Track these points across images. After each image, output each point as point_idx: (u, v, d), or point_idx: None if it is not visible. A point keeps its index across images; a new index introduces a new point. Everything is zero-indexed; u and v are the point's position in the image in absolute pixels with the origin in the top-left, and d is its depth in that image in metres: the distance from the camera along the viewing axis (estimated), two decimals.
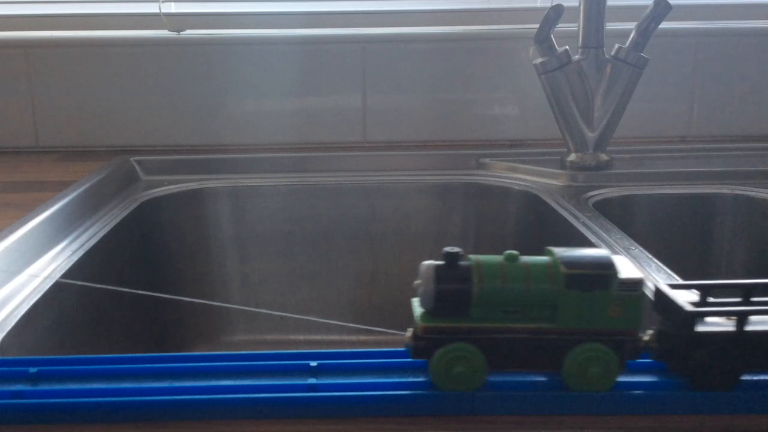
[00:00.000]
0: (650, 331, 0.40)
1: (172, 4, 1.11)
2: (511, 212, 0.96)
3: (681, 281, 0.41)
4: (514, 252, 0.39)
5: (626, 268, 0.38)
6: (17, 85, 1.09)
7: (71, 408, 0.38)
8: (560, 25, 0.89)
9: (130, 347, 0.82)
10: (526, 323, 0.38)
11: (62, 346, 0.63)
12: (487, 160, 1.02)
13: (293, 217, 0.99)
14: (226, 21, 1.12)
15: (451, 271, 0.38)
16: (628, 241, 0.69)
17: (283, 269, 1.00)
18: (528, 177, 0.97)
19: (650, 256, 0.64)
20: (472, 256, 0.39)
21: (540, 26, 0.90)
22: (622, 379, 0.39)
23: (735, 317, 0.38)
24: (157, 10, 1.09)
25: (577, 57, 0.91)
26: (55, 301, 0.62)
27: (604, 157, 0.94)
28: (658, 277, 0.59)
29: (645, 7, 0.90)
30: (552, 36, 0.90)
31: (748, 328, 0.38)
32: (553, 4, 0.89)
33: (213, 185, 0.99)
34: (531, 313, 0.38)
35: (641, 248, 0.66)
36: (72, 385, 0.40)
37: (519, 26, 1.10)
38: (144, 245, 0.91)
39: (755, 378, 0.39)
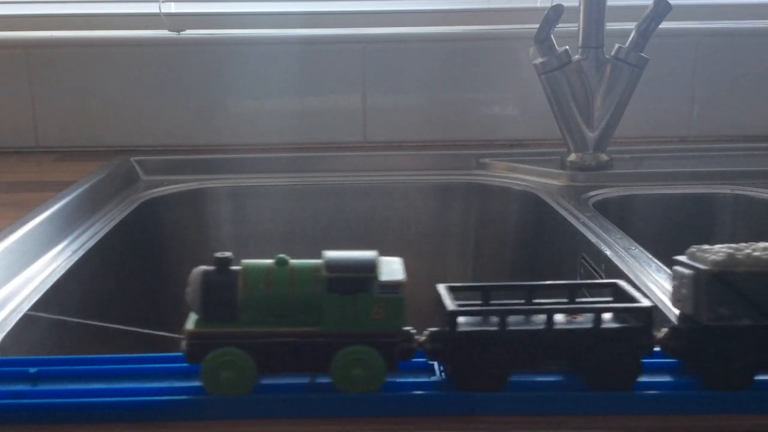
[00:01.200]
0: (426, 332, 0.40)
1: (172, 4, 1.11)
2: (511, 212, 0.96)
3: (458, 284, 0.42)
4: (284, 256, 0.39)
5: (394, 270, 0.39)
6: (17, 85, 1.09)
7: (71, 408, 0.38)
8: (560, 25, 0.89)
9: (130, 347, 0.82)
10: (293, 327, 0.38)
11: (62, 346, 0.63)
12: (487, 160, 1.02)
13: (293, 217, 0.99)
14: (226, 21, 1.12)
15: (219, 276, 0.39)
16: (628, 241, 0.69)
17: None
18: (528, 177, 0.97)
19: (650, 256, 0.64)
20: (245, 261, 0.39)
21: (540, 26, 0.90)
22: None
23: (498, 316, 0.38)
24: (157, 10, 1.09)
25: (577, 57, 0.91)
26: (55, 301, 0.62)
27: (604, 157, 0.94)
28: (658, 278, 0.59)
29: (645, 7, 0.90)
30: (552, 36, 0.90)
31: (514, 327, 0.38)
32: (553, 4, 0.89)
33: (213, 185, 0.99)
34: (298, 317, 0.38)
35: (641, 248, 0.66)
36: (72, 385, 0.40)
37: (519, 26, 1.10)
38: (144, 245, 0.91)
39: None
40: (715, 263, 0.38)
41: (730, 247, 0.39)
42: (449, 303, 0.39)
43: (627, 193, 0.90)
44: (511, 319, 0.39)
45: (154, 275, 0.93)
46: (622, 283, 0.42)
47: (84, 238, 0.76)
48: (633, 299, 0.40)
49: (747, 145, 1.06)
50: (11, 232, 0.67)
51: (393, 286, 0.38)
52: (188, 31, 1.11)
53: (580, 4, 0.91)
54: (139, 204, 0.90)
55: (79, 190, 0.83)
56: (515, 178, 0.98)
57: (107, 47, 1.10)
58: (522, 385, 0.39)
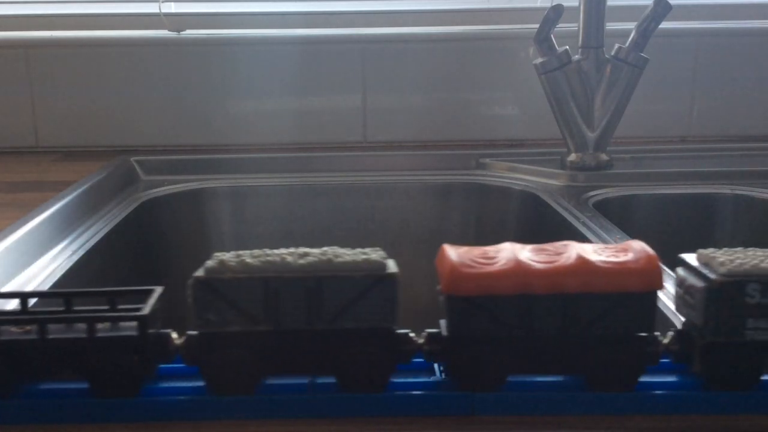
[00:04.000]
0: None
1: (172, 4, 1.11)
2: (511, 212, 0.96)
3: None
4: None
5: None
6: (17, 85, 1.09)
7: (70, 408, 0.38)
8: (560, 25, 0.89)
9: None
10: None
11: None
12: (487, 160, 1.02)
13: (293, 217, 0.99)
14: (226, 21, 1.12)
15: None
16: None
17: None
18: (528, 177, 0.97)
19: None
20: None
21: (540, 26, 0.90)
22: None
23: (35, 325, 0.38)
24: (157, 10, 1.09)
25: (577, 57, 0.91)
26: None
27: (604, 157, 0.94)
28: None
29: (645, 7, 0.90)
30: (552, 36, 0.90)
31: (54, 335, 0.38)
32: (553, 4, 0.89)
33: (213, 185, 0.99)
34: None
35: None
36: (71, 385, 0.40)
37: (519, 26, 1.10)
38: (144, 245, 0.91)
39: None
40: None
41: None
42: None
43: (627, 193, 0.90)
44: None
45: (154, 275, 0.93)
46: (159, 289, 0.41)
47: (84, 238, 0.76)
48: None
49: (747, 145, 1.06)
50: (11, 232, 0.67)
51: None
52: (188, 31, 1.11)
53: (580, 4, 0.91)
54: (139, 204, 0.90)
55: (79, 190, 0.83)
56: (515, 178, 0.98)
57: (107, 47, 1.10)
58: (522, 385, 0.39)
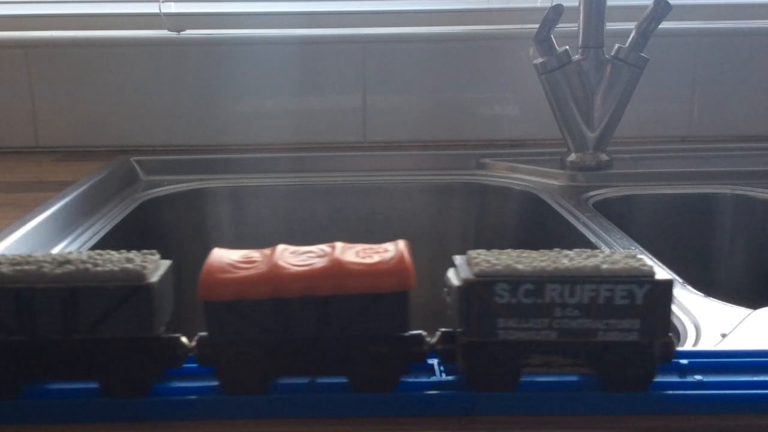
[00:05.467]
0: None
1: (172, 4, 1.11)
2: (511, 212, 0.96)
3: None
4: None
5: None
6: (17, 85, 1.09)
7: (71, 407, 0.38)
8: (560, 25, 0.89)
9: None
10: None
11: None
12: (487, 160, 1.02)
13: (293, 217, 0.99)
14: (226, 21, 1.12)
15: None
16: (628, 241, 0.69)
17: None
18: (528, 177, 0.97)
19: (650, 256, 0.64)
20: None
21: (540, 26, 0.90)
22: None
23: None
24: (157, 10, 1.09)
25: (577, 57, 0.91)
26: None
27: (604, 157, 0.94)
28: None
29: (645, 7, 0.90)
30: (552, 36, 0.90)
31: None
32: (553, 4, 0.89)
33: (213, 185, 0.99)
34: None
35: (641, 248, 0.67)
36: (73, 384, 0.40)
37: (519, 26, 1.10)
38: (144, 245, 0.90)
39: None
40: None
41: None
42: None
43: (627, 193, 0.90)
44: None
45: None
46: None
47: (84, 238, 0.76)
48: None
49: (747, 145, 1.06)
50: (11, 232, 0.67)
51: None
52: (188, 31, 1.11)
53: (580, 4, 0.91)
54: (139, 204, 0.90)
55: (79, 190, 0.83)
56: (515, 178, 0.98)
57: (107, 47, 1.10)
58: (522, 385, 0.39)
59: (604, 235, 0.71)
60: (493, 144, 1.11)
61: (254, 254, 0.39)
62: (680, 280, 0.58)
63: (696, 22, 1.12)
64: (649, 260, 0.39)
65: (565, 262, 0.38)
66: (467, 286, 0.37)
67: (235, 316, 0.37)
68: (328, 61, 1.10)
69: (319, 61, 1.10)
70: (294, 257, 0.39)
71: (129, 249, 0.42)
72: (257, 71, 1.10)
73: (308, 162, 1.04)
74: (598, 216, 0.78)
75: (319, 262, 0.38)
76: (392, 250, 0.39)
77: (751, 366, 0.41)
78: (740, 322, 0.49)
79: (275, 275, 0.37)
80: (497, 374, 0.38)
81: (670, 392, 0.39)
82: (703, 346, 0.47)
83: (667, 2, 0.88)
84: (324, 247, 0.40)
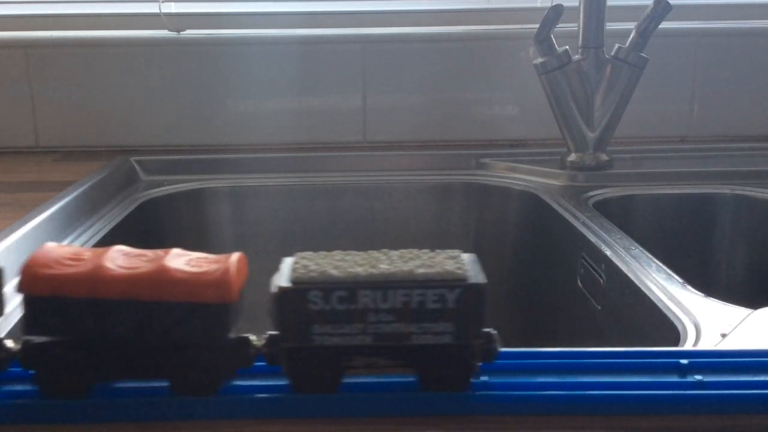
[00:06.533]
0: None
1: (172, 4, 1.11)
2: (511, 212, 0.96)
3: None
4: None
5: None
6: (17, 85, 1.09)
7: (73, 407, 0.38)
8: (560, 25, 0.89)
9: None
10: None
11: None
12: (487, 160, 1.02)
13: (293, 217, 0.99)
14: (226, 21, 1.12)
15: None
16: (628, 241, 0.69)
17: None
18: (528, 177, 0.97)
19: (650, 256, 0.64)
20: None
21: (540, 26, 0.90)
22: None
23: None
24: (157, 10, 1.09)
25: (577, 57, 0.91)
26: None
27: (604, 157, 0.95)
28: (658, 277, 0.59)
29: (645, 7, 0.90)
30: (552, 36, 0.90)
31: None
32: (553, 4, 0.89)
33: (213, 185, 0.99)
34: None
35: (641, 248, 0.67)
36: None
37: (519, 26, 1.10)
38: (144, 245, 0.91)
39: None
40: None
41: None
42: None
43: (627, 193, 0.90)
44: None
45: None
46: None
47: (84, 238, 0.76)
48: None
49: (747, 145, 1.06)
50: (11, 232, 0.67)
51: None
52: (188, 31, 1.11)
53: (580, 4, 0.91)
54: (139, 204, 0.90)
55: (80, 190, 0.83)
56: (515, 178, 0.98)
57: (107, 47, 1.10)
58: (520, 386, 0.39)
59: (604, 235, 0.71)
60: (493, 144, 1.11)
61: (86, 253, 0.39)
62: (680, 280, 0.58)
63: (696, 22, 1.12)
64: (467, 261, 0.39)
65: (383, 266, 0.38)
66: (282, 294, 0.37)
67: (52, 312, 0.38)
68: (328, 61, 1.10)
69: (319, 61, 1.10)
70: (125, 259, 0.39)
71: None
72: (257, 71, 1.10)
73: (308, 162, 1.04)
74: (598, 216, 0.78)
75: (145, 267, 0.38)
76: (222, 262, 0.39)
77: (751, 366, 0.41)
78: (740, 322, 0.50)
79: (95, 275, 0.37)
80: (317, 377, 0.39)
81: (670, 392, 0.39)
82: (703, 346, 0.47)
83: (667, 2, 0.88)
84: (159, 252, 0.40)
